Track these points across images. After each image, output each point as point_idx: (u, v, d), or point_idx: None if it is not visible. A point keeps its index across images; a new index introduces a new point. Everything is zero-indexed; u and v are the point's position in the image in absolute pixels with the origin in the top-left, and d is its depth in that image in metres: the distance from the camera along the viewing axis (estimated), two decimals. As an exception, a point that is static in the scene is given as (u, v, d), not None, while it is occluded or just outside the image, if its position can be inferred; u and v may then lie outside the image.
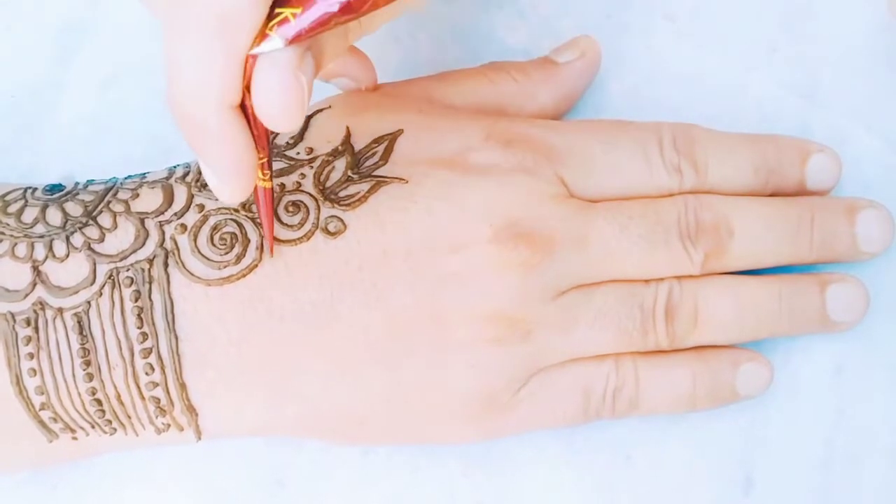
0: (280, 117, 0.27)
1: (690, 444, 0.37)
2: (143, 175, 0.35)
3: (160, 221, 0.33)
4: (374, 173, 0.34)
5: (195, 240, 0.32)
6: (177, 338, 0.32)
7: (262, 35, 0.27)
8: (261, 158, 0.29)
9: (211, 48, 0.26)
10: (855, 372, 0.37)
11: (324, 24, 0.26)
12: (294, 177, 0.33)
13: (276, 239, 0.33)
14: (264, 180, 0.30)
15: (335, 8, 0.26)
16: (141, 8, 0.40)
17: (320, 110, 0.35)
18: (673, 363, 0.36)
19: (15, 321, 0.32)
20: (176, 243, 0.32)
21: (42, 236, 0.32)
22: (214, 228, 0.33)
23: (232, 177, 0.29)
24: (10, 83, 0.40)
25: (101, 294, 0.32)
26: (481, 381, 0.33)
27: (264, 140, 0.29)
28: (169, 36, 0.27)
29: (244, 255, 0.32)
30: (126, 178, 0.34)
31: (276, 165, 0.34)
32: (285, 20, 0.26)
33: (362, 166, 0.34)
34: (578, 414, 0.35)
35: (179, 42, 0.27)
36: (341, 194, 0.33)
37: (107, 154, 0.40)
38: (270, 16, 0.27)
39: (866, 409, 0.37)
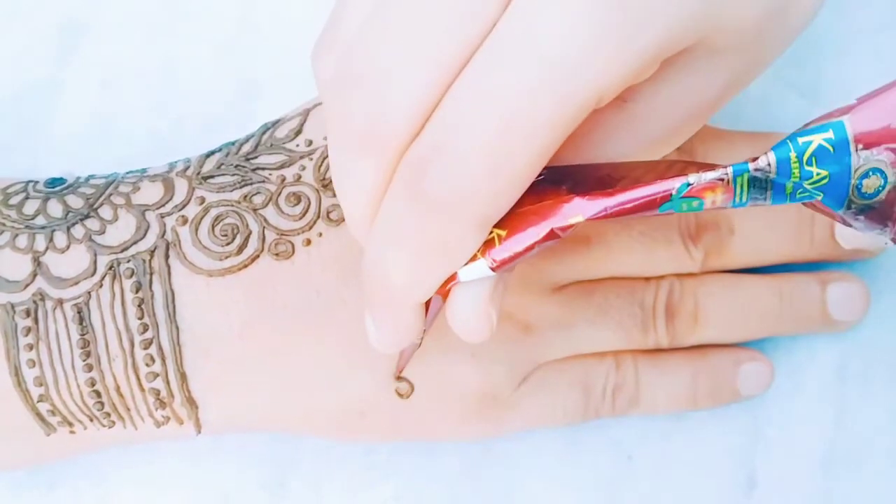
0: (468, 337, 0.27)
1: (692, 444, 0.37)
2: (144, 170, 0.35)
3: (161, 213, 0.33)
4: None
5: (196, 231, 0.32)
6: (177, 328, 0.32)
7: (472, 257, 0.26)
8: (424, 332, 0.29)
9: (439, 266, 0.26)
10: (857, 371, 0.37)
11: (529, 249, 0.25)
12: (294, 169, 0.33)
13: (277, 230, 0.32)
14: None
15: (544, 232, 0.25)
16: (140, 8, 0.41)
17: (319, 103, 0.35)
18: (673, 362, 0.36)
19: (14, 312, 0.31)
20: (177, 235, 0.32)
21: (43, 228, 0.32)
22: (216, 220, 0.33)
23: (393, 342, 0.28)
24: (10, 83, 0.40)
25: (101, 285, 0.32)
26: (481, 374, 0.33)
27: (433, 317, 0.28)
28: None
29: (246, 246, 0.32)
30: (127, 174, 0.34)
31: (276, 158, 0.33)
32: (491, 242, 0.25)
33: None
34: (578, 411, 0.35)
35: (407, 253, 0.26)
36: None
37: (107, 154, 0.39)
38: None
39: (868, 409, 0.37)
